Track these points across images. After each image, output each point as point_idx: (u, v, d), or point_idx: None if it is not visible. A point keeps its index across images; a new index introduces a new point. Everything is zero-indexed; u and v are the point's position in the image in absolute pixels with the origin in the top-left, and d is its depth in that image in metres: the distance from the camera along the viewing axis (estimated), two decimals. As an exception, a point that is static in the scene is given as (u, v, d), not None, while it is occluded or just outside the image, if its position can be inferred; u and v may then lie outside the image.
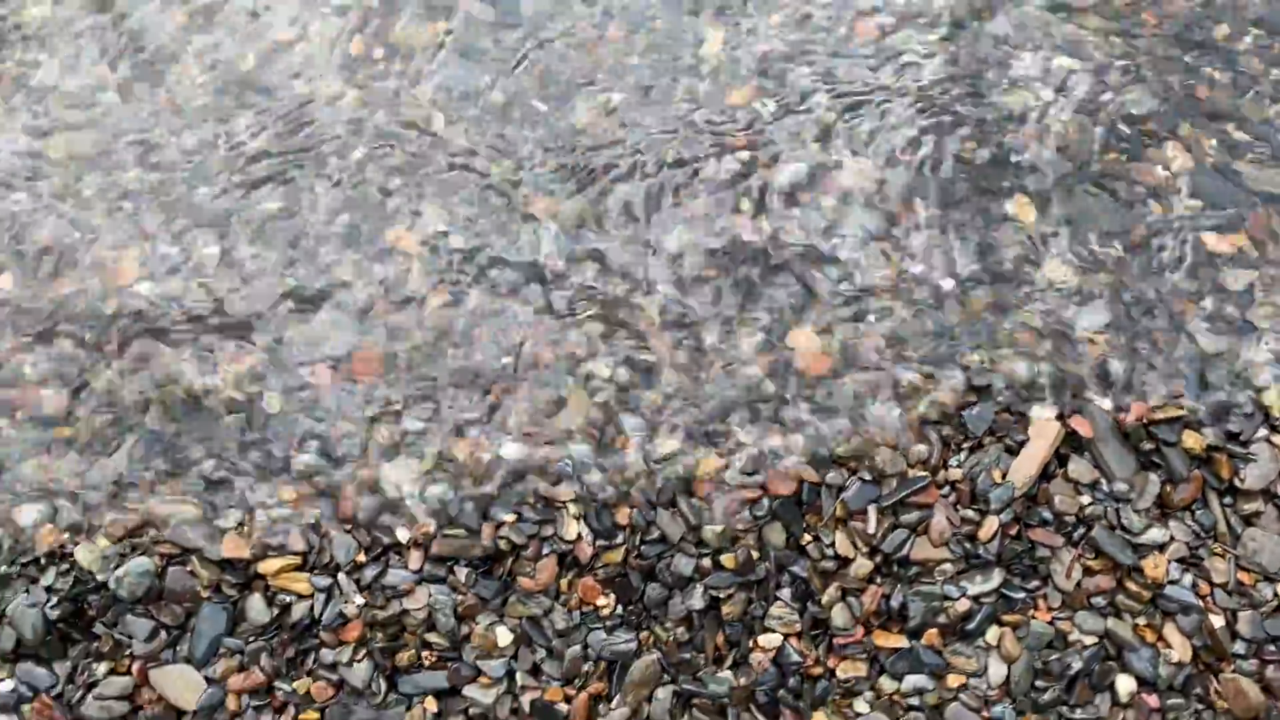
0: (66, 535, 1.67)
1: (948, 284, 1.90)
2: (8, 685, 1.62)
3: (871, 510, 1.72)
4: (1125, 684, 1.67)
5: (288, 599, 1.64)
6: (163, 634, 1.63)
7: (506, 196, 1.99)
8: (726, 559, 1.69)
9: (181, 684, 1.62)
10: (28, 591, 1.63)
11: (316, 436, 1.77)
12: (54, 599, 1.63)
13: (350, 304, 1.90)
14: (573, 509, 1.70)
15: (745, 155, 2.02)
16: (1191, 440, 1.75)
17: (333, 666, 1.63)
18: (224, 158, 2.03)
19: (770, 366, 1.83)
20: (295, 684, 1.63)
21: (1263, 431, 1.77)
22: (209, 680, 1.63)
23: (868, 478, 1.73)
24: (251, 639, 1.64)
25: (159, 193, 2.00)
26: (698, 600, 1.69)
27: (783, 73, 2.12)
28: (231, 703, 1.63)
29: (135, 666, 1.63)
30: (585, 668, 1.68)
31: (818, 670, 1.70)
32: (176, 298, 1.89)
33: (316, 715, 1.63)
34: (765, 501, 1.71)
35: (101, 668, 1.63)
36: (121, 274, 1.91)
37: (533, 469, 1.73)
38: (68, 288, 1.90)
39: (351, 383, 1.83)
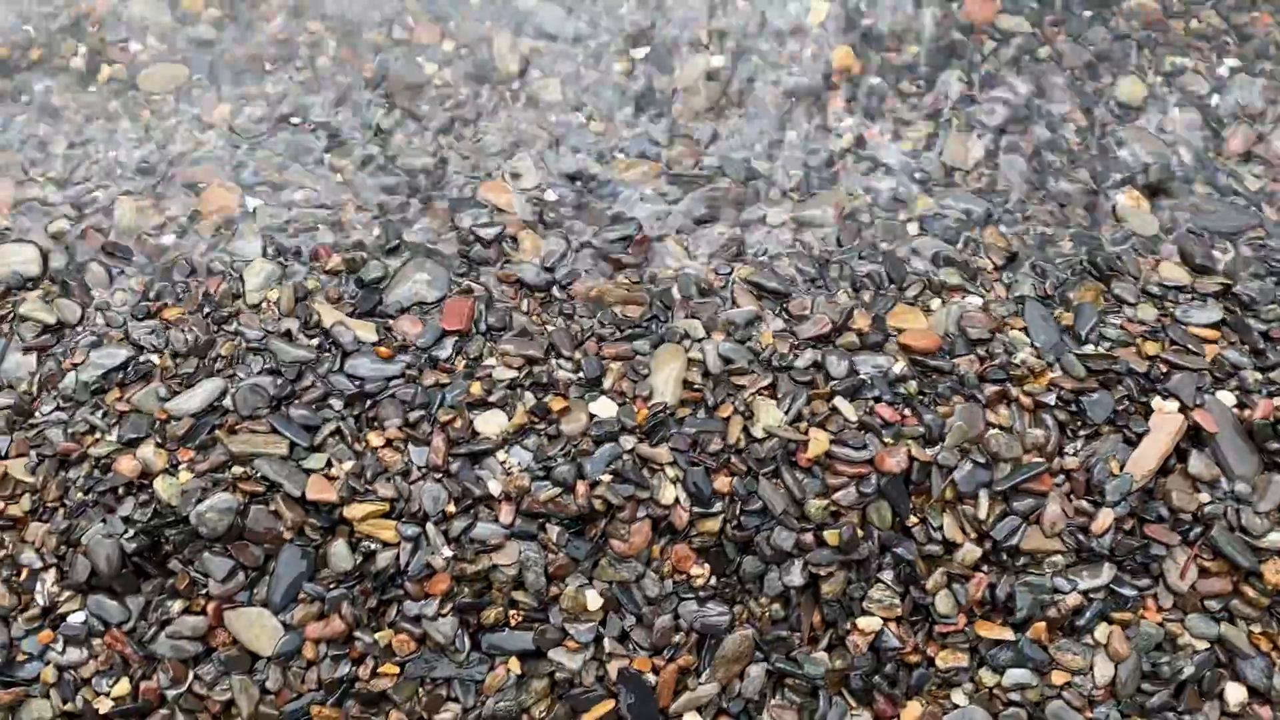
0: (148, 465, 1.60)
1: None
2: (79, 617, 1.55)
3: (983, 495, 1.64)
4: (1236, 693, 1.59)
5: (373, 546, 1.57)
6: (240, 575, 1.57)
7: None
8: (830, 535, 1.61)
9: (258, 628, 1.56)
10: (104, 521, 1.57)
11: (407, 382, 1.69)
12: (131, 531, 1.56)
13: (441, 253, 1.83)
14: (670, 472, 1.62)
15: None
16: (1325, 443, 1.67)
17: (416, 619, 1.56)
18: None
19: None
20: (376, 635, 1.56)
21: (1401, 439, 1.68)
22: (286, 626, 1.56)
23: (980, 460, 1.64)
24: (333, 586, 1.57)
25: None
26: (796, 576, 1.61)
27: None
28: (309, 650, 1.56)
29: (210, 607, 1.56)
30: (675, 638, 1.61)
31: (915, 658, 1.62)
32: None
33: (396, 669, 1.56)
34: (873, 478, 1.62)
35: (176, 605, 1.56)
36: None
37: (629, 428, 1.65)
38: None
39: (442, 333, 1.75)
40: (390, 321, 1.76)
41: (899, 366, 1.72)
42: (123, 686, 1.54)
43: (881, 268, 1.87)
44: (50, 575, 1.54)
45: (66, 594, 1.56)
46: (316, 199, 1.94)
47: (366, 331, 1.74)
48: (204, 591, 1.56)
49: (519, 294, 1.83)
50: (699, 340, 1.76)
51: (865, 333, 1.76)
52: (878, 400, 1.69)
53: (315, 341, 1.74)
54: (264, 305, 1.78)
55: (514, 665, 1.58)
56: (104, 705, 1.53)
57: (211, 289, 1.80)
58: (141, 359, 1.72)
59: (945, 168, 2.02)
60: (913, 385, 1.71)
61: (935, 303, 1.82)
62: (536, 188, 1.97)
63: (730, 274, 1.86)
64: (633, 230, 1.89)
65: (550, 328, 1.77)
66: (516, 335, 1.76)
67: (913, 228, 1.95)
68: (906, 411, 1.68)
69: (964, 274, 1.86)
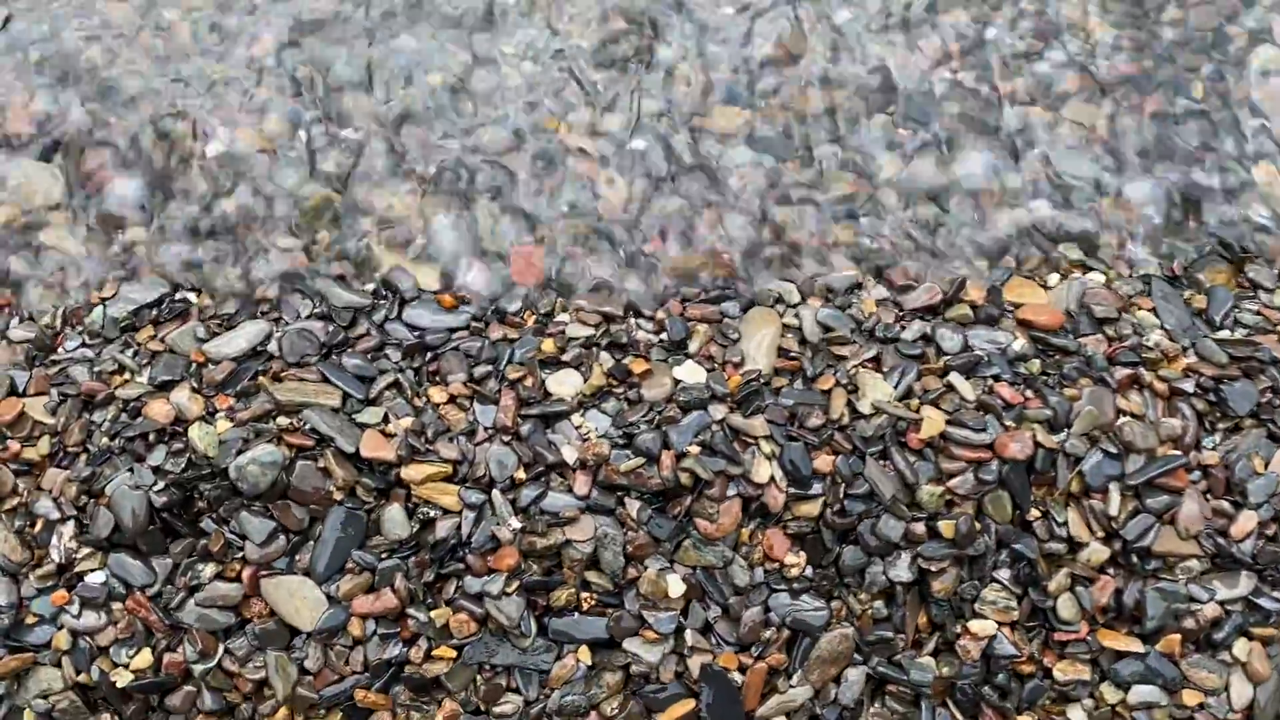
0: (183, 410, 1.42)
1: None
2: (99, 577, 1.38)
3: (1113, 489, 1.46)
4: (1387, 725, 1.41)
5: (432, 513, 1.39)
6: (282, 538, 1.39)
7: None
8: (944, 526, 1.43)
9: (298, 599, 1.38)
10: (131, 471, 1.39)
11: (471, 335, 1.52)
12: (161, 483, 1.38)
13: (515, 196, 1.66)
14: (766, 447, 1.44)
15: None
16: None
17: (478, 597, 1.39)
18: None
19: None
20: (432, 613, 1.38)
21: None
22: (330, 599, 1.39)
23: (1111, 450, 1.46)
24: (385, 555, 1.39)
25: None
26: (903, 571, 1.44)
27: None
28: (355, 627, 1.39)
29: (246, 573, 1.39)
30: (765, 634, 1.43)
31: (1030, 668, 1.45)
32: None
33: (452, 653, 1.39)
34: (994, 465, 1.44)
35: (207, 570, 1.39)
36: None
37: (719, 396, 1.47)
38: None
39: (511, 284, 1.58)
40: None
41: (1019, 344, 1.55)
42: (144, 658, 1.37)
43: (992, 236, 1.69)
44: (68, 529, 1.37)
45: (85, 551, 1.39)
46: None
47: (428, 278, 1.57)
48: (239, 555, 1.39)
49: (593, 243, 1.65)
50: (794, 306, 1.58)
51: (979, 305, 1.59)
52: (996, 379, 1.51)
53: (370, 288, 1.56)
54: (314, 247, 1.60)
55: (584, 655, 1.40)
56: (122, 678, 1.36)
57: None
58: (178, 297, 1.55)
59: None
60: (1035, 364, 1.53)
61: (1054, 278, 1.65)
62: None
63: (828, 236, 1.68)
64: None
65: (629, 284, 1.59)
66: (592, 290, 1.58)
67: (1027, 195, 1.77)
68: (1028, 393, 1.50)
69: (1084, 248, 1.68)
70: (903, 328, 1.56)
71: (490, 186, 1.68)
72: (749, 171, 1.72)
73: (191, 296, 1.55)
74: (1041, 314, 1.58)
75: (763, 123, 1.78)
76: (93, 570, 1.38)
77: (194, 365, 1.47)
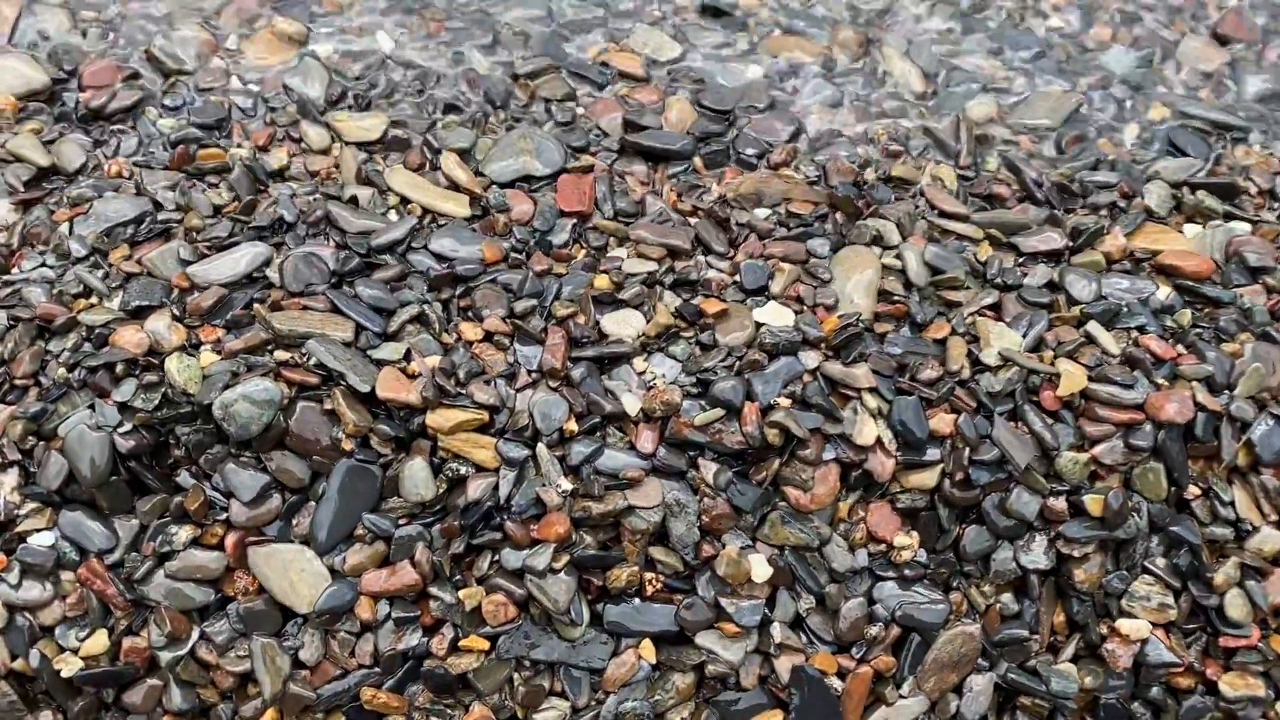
0: (159, 340, 1.16)
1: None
2: (46, 538, 1.11)
3: (1290, 463, 1.20)
4: None
5: (462, 470, 1.13)
6: (276, 496, 1.13)
7: None
8: (1091, 502, 1.17)
9: (294, 573, 1.12)
10: (92, 408, 1.13)
11: (511, 268, 1.27)
12: (128, 424, 1.12)
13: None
14: (871, 401, 1.18)
15: None
16: None
17: (518, 574, 1.12)
18: None
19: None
20: (460, 594, 1.11)
21: None
22: (334, 573, 1.12)
23: (1284, 416, 1.21)
24: (404, 520, 1.13)
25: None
26: (1039, 556, 1.17)
27: None
28: (364, 609, 1.12)
29: (230, 539, 1.12)
30: (870, 631, 1.16)
31: (1189, 680, 1.18)
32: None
33: (484, 644, 1.11)
34: (1147, 429, 1.18)
35: (182, 534, 1.12)
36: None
37: (811, 340, 1.21)
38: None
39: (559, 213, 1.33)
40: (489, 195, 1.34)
41: (1164, 292, 1.29)
42: (98, 641, 1.11)
43: (1118, 178, 1.45)
44: (9, 477, 1.12)
45: (30, 506, 1.13)
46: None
47: (457, 204, 1.32)
48: (223, 517, 1.12)
49: (658, 171, 1.40)
50: (892, 248, 1.33)
51: (1112, 253, 1.33)
52: (1142, 330, 1.25)
53: (393, 215, 1.31)
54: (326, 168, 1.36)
55: (647, 651, 1.13)
56: (69, 665, 1.09)
57: (260, 140, 1.37)
58: (160, 216, 1.29)
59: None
60: (1185, 315, 1.28)
61: (1190, 228, 1.40)
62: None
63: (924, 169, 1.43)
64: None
65: (697, 217, 1.34)
66: (655, 221, 1.33)
67: (1150, 136, 1.53)
68: (1179, 348, 1.24)
69: (1221, 197, 1.44)
70: (1025, 274, 1.31)
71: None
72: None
73: (177, 216, 1.29)
74: (1188, 260, 1.32)
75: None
76: (38, 530, 1.12)
77: (175, 290, 1.21)
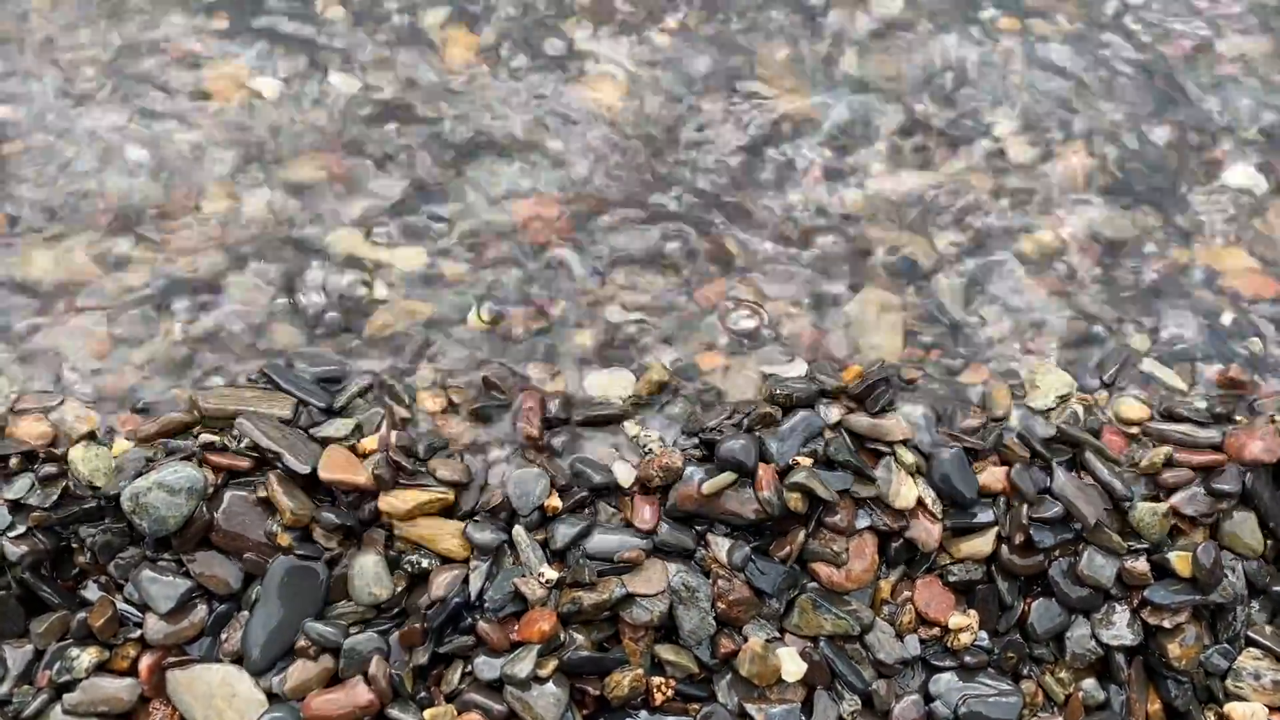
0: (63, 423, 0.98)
1: None
2: (-86, 673, 0.91)
3: (1405, 505, 1.01)
4: None
5: (424, 562, 0.94)
6: (200, 606, 0.93)
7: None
8: (1178, 560, 0.98)
9: (222, 700, 0.91)
10: (-24, 509, 0.94)
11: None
12: (21, 526, 0.93)
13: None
14: (907, 456, 1.00)
15: None
16: None
17: (497, 686, 0.91)
18: None
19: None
20: (427, 714, 0.90)
21: None
22: (272, 696, 0.91)
23: (1392, 451, 1.03)
24: (356, 627, 0.93)
25: None
26: (1123, 630, 0.98)
27: None
28: (308, 741, 0.91)
29: (145, 662, 0.92)
30: (929, 735, 0.95)
31: (1313, 777, 0.97)
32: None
33: (458, 776, 0.90)
34: (1229, 471, 1.00)
35: (85, 657, 0.93)
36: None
37: (829, 390, 1.04)
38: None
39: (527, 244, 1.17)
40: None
41: (1229, 316, 1.13)
42: (-24, 802, 0.89)
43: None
44: None
45: (-103, 633, 0.92)
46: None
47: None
48: (136, 635, 0.92)
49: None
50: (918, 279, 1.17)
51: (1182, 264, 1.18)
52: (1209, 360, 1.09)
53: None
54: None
55: (659, 775, 0.92)
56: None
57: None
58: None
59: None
60: (1255, 343, 1.11)
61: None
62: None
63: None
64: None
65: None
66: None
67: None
68: (1258, 378, 1.07)
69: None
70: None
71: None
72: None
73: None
74: (1253, 281, 1.16)
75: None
76: (-93, 662, 0.91)
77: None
